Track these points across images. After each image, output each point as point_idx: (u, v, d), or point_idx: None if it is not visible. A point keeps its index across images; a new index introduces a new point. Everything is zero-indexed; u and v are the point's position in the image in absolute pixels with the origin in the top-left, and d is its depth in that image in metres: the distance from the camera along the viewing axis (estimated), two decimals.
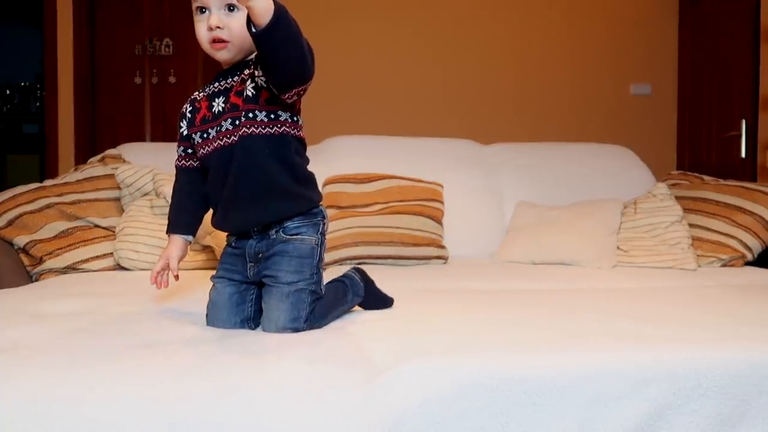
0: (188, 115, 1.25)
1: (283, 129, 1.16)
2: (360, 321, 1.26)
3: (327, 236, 1.25)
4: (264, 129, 1.14)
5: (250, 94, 1.14)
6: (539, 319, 1.26)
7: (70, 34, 3.91)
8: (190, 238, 1.28)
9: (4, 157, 5.91)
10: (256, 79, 1.13)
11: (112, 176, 2.17)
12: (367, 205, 2.18)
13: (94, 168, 2.22)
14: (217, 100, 1.19)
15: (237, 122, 1.15)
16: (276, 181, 1.15)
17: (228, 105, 1.17)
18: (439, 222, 2.20)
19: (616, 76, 4.09)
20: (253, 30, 0.99)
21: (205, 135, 1.19)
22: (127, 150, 2.40)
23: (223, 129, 1.16)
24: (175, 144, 1.30)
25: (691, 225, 2.18)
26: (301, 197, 1.18)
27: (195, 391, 0.89)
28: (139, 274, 1.92)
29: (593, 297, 1.54)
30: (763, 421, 1.00)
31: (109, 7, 4.02)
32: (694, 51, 3.93)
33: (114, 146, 2.45)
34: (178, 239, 1.26)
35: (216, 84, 1.21)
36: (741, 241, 2.10)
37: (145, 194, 2.12)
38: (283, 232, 1.17)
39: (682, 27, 4.04)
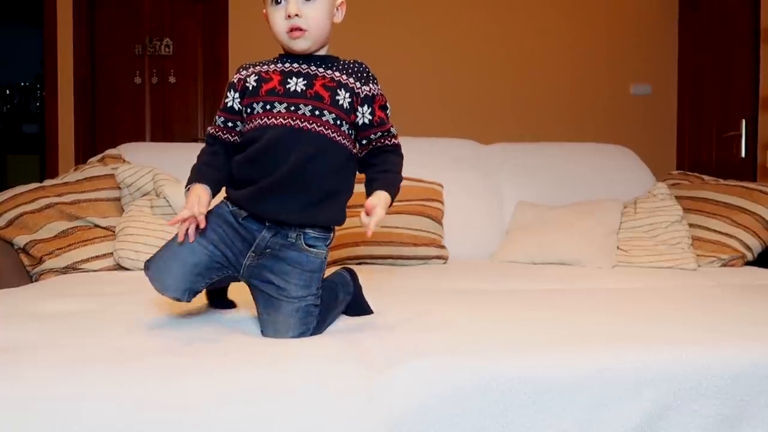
0: (252, 83, 1.17)
1: (355, 152, 1.22)
2: (359, 321, 1.26)
3: None
4: (346, 142, 1.18)
5: (346, 105, 1.17)
6: (539, 319, 1.26)
7: (70, 34, 3.91)
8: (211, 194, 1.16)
9: (4, 157, 5.92)
10: (359, 113, 1.19)
11: (112, 176, 2.17)
12: None
13: (94, 168, 2.22)
14: (295, 79, 1.15)
15: (320, 115, 1.14)
16: (341, 191, 1.19)
17: (311, 91, 1.14)
18: (439, 222, 2.20)
19: (616, 76, 4.09)
20: None
21: (268, 106, 1.15)
22: (127, 150, 2.40)
23: (300, 112, 1.13)
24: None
25: (691, 225, 2.18)
26: (342, 214, 1.21)
27: (196, 392, 0.89)
28: (139, 274, 1.91)
29: (593, 297, 1.54)
30: (763, 421, 1.00)
31: (109, 7, 4.02)
32: (695, 51, 3.93)
33: (114, 146, 2.44)
34: (202, 188, 1.12)
35: (294, 64, 1.18)
36: (741, 241, 2.10)
37: (145, 194, 2.12)
38: (303, 239, 1.16)
39: (683, 27, 4.04)
